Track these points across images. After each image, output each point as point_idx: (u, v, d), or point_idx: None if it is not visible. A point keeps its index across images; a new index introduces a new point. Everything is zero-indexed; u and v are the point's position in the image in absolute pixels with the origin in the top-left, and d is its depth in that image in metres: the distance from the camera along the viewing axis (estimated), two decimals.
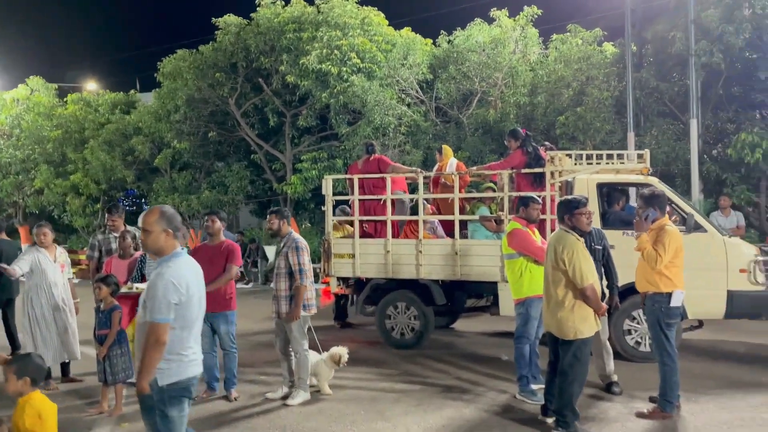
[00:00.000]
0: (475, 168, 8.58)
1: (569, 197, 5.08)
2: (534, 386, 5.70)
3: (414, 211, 8.11)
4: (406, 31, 15.90)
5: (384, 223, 7.98)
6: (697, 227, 6.97)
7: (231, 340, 5.91)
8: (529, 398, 5.65)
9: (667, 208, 7.37)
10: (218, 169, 19.60)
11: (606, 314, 6.04)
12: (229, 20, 17.25)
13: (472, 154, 14.15)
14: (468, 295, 8.27)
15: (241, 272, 16.61)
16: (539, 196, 6.43)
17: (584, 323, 4.76)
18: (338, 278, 8.29)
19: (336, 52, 14.71)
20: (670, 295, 5.11)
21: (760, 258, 6.80)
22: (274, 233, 5.95)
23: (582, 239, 4.90)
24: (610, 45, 14.34)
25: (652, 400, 5.42)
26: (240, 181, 18.31)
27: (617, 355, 6.58)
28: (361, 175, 8.15)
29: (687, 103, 12.27)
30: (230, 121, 18.36)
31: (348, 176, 8.48)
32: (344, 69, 14.84)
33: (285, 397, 5.80)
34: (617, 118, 12.98)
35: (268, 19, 16.30)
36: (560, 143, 12.79)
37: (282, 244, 5.82)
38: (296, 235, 5.88)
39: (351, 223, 8.27)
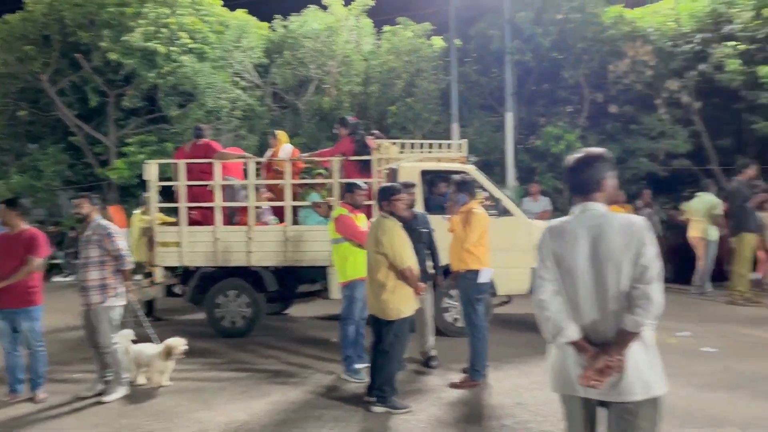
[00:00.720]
0: (306, 154, 8.65)
1: (387, 184, 5.34)
2: (359, 366, 5.93)
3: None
4: (241, 13, 15.49)
5: (214, 210, 7.78)
6: (506, 212, 7.67)
7: (35, 338, 5.44)
8: (353, 377, 5.87)
9: (485, 194, 8.05)
10: (30, 151, 17.74)
11: (432, 293, 6.48)
12: None
13: (309, 141, 14.22)
14: (300, 280, 8.35)
15: (56, 264, 15.27)
16: (366, 183, 6.67)
17: (405, 303, 5.04)
18: (165, 268, 7.95)
19: (164, 30, 13.93)
20: (478, 272, 5.58)
21: None
22: (82, 218, 5.56)
23: (400, 223, 5.17)
24: (439, 39, 15.10)
25: (464, 371, 5.88)
26: (56, 165, 16.72)
27: (437, 332, 7.05)
28: (187, 160, 7.87)
29: (504, 97, 13.33)
30: (44, 100, 16.69)
31: (173, 161, 8.13)
32: (173, 49, 14.12)
33: (100, 394, 5.49)
34: (444, 109, 13.76)
35: None
36: (392, 132, 13.29)
37: (90, 232, 5.46)
38: (104, 221, 5.56)
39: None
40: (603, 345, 2.64)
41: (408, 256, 5.01)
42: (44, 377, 5.55)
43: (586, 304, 2.68)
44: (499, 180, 13.61)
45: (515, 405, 5.07)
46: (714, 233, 9.96)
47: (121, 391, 5.49)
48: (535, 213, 9.18)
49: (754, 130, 11.79)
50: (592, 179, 2.74)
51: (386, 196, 5.14)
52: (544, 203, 11.12)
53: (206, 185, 7.84)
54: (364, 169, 7.68)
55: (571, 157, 2.85)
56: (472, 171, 8.08)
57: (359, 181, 6.21)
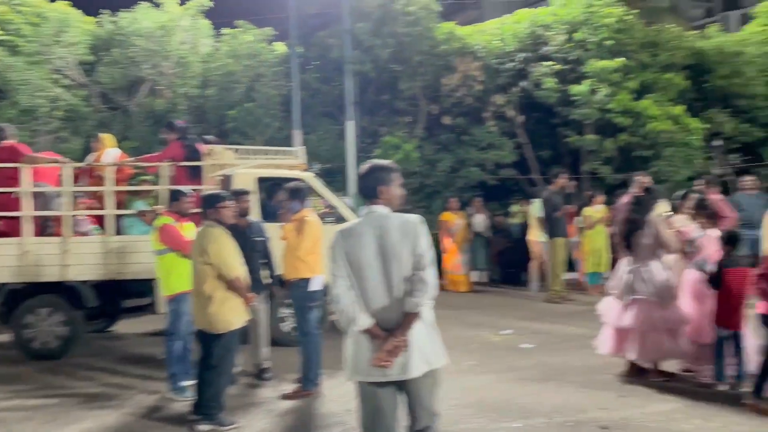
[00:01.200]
0: (131, 159, 8.10)
1: (212, 192, 5.14)
2: (185, 383, 5.62)
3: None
4: (62, 5, 14.19)
5: (23, 219, 7.00)
6: (344, 219, 7.74)
7: None
8: (179, 396, 5.56)
9: (322, 201, 8.05)
10: None
11: (267, 303, 6.32)
12: None
13: (142, 145, 13.36)
14: (126, 294, 7.78)
15: None
16: (196, 190, 6.38)
17: (234, 315, 4.86)
18: None
19: None
20: (309, 280, 5.55)
21: None
22: None
23: (227, 232, 4.98)
24: (281, 45, 14.96)
25: (298, 381, 5.80)
26: None
27: (273, 342, 6.91)
28: None
29: (345, 106, 13.51)
30: None
31: None
32: None
33: None
34: (286, 115, 13.63)
35: None
36: (232, 137, 12.90)
37: None
38: None
39: None
40: (392, 329, 3.01)
41: (236, 266, 4.85)
42: None
43: (376, 295, 3.06)
44: (342, 188, 13.76)
45: (345, 412, 5.09)
46: (544, 236, 10.79)
47: None
48: None
49: (567, 143, 13.01)
50: (373, 186, 3.16)
51: (212, 203, 4.93)
52: None
53: (12, 192, 7.04)
54: (195, 175, 7.36)
55: (361, 167, 3.27)
56: (310, 178, 8.06)
57: (186, 188, 5.93)
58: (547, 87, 12.50)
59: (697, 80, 13.35)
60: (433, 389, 3.16)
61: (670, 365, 5.81)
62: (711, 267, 5.37)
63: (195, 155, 7.39)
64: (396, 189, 3.18)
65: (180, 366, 5.65)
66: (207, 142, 7.86)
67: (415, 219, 3.10)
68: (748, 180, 10.12)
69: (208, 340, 4.83)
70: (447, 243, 11.63)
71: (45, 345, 7.10)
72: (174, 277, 5.56)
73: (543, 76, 12.60)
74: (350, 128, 13.31)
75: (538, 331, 7.95)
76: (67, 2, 14.44)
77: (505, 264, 12.59)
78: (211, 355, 4.80)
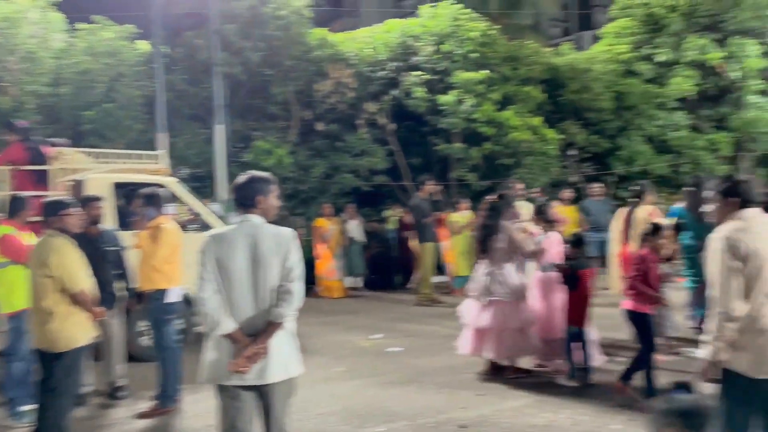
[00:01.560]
0: None
1: (55, 198, 4.72)
2: (25, 407, 5.13)
3: None
4: None
5: None
6: (208, 226, 7.45)
7: None
8: (19, 422, 5.07)
9: (186, 208, 7.70)
10: None
11: (122, 316, 5.92)
12: None
13: None
14: None
15: None
16: (41, 197, 5.86)
17: (79, 331, 4.46)
18: None
19: None
20: (166, 291, 5.27)
21: None
22: None
23: (72, 241, 4.61)
24: (144, 43, 14.19)
25: (156, 398, 5.49)
26: None
27: (131, 358, 6.51)
28: None
29: (214, 109, 13.07)
30: None
31: None
32: None
33: None
34: (150, 117, 12.94)
35: None
36: (89, 140, 12.02)
37: None
38: None
39: None
40: (254, 336, 3.11)
41: (81, 278, 4.48)
42: None
43: (243, 301, 3.16)
44: (211, 193, 13.28)
45: (205, 427, 4.88)
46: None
47: None
48: None
49: (436, 150, 13.44)
50: (251, 196, 3.26)
51: (54, 211, 4.51)
52: None
53: None
54: (41, 180, 6.78)
55: (240, 177, 3.36)
56: (172, 184, 7.72)
57: (25, 194, 5.43)
58: (417, 96, 12.85)
59: (552, 94, 14.31)
60: (287, 398, 3.27)
61: (525, 362, 6.15)
62: (556, 267, 5.75)
63: (40, 158, 6.81)
64: (273, 200, 3.30)
65: (20, 389, 5.15)
66: (54, 145, 7.27)
67: (288, 233, 3.25)
68: (595, 187, 11.01)
69: (48, 360, 4.41)
70: (321, 249, 11.59)
71: None
72: (16, 293, 5.07)
73: (413, 86, 12.94)
74: (219, 132, 12.90)
75: (406, 334, 8.10)
76: None
77: (379, 269, 12.75)
78: (52, 377, 4.39)
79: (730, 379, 3.09)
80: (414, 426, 4.77)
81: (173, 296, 5.32)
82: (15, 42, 12.35)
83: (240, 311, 3.14)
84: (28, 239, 5.21)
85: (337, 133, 13.54)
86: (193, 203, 7.62)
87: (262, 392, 3.19)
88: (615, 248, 7.44)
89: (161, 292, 5.27)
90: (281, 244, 3.18)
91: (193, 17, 13.47)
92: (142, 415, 5.22)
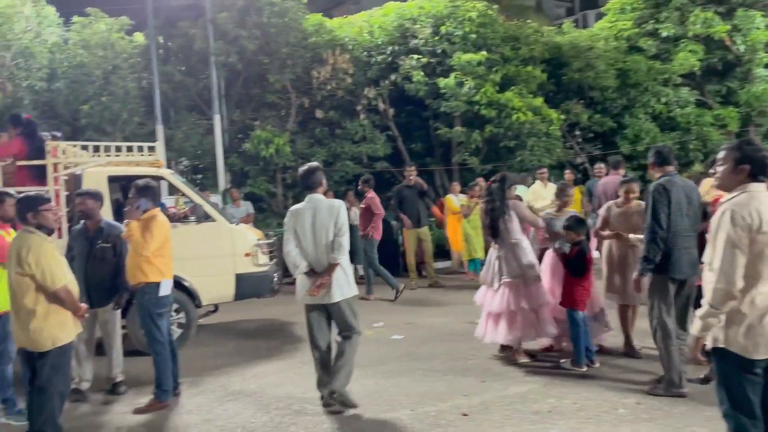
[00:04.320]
0: None
1: (31, 194, 4.53)
2: (24, 406, 5.06)
3: None
4: None
5: None
6: (207, 217, 7.36)
7: None
8: (17, 420, 5.00)
9: (184, 199, 7.57)
10: None
11: (119, 312, 5.81)
12: None
13: None
14: None
15: None
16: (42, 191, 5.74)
17: (62, 329, 4.30)
18: None
19: None
20: (158, 284, 5.17)
21: (262, 242, 7.57)
22: None
23: (49, 237, 4.43)
24: (140, 35, 14.04)
25: (153, 392, 5.40)
26: None
27: (134, 352, 6.45)
28: None
29: (212, 99, 12.94)
30: None
31: None
32: None
33: None
34: (147, 110, 12.83)
35: None
36: (87, 134, 11.93)
37: None
38: None
39: None
40: (321, 272, 4.75)
41: (61, 275, 4.26)
42: None
43: (311, 250, 4.80)
44: (212, 185, 13.17)
45: (203, 422, 4.80)
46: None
47: None
48: (237, 218, 8.98)
49: (438, 135, 13.27)
50: (314, 180, 4.92)
51: (31, 206, 4.32)
52: (246, 207, 11.04)
53: None
54: (39, 175, 6.67)
55: (301, 168, 5.05)
56: (169, 176, 7.61)
57: (10, 190, 5.31)
58: (416, 80, 12.67)
59: (554, 73, 14.09)
60: (349, 310, 4.83)
61: (532, 345, 6.03)
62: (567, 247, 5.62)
63: (40, 153, 6.70)
64: (325, 182, 4.95)
65: (12, 390, 5.08)
66: (55, 138, 7.19)
67: (338, 203, 4.84)
68: (600, 168, 10.81)
69: (32, 360, 4.29)
70: None
71: None
72: (1, 294, 4.94)
73: (412, 70, 12.75)
74: (218, 122, 12.79)
75: (407, 322, 7.98)
76: None
77: (380, 256, 12.61)
78: (38, 376, 4.27)
79: (726, 359, 2.95)
80: (415, 414, 4.67)
81: (165, 289, 5.22)
82: (9, 37, 12.23)
83: (310, 257, 4.76)
84: (10, 237, 5.05)
85: (337, 120, 13.39)
86: (192, 195, 7.51)
87: (329, 309, 4.82)
88: None
89: (153, 285, 5.16)
90: (332, 212, 4.74)
91: (187, 7, 13.30)
92: (138, 411, 5.13)
